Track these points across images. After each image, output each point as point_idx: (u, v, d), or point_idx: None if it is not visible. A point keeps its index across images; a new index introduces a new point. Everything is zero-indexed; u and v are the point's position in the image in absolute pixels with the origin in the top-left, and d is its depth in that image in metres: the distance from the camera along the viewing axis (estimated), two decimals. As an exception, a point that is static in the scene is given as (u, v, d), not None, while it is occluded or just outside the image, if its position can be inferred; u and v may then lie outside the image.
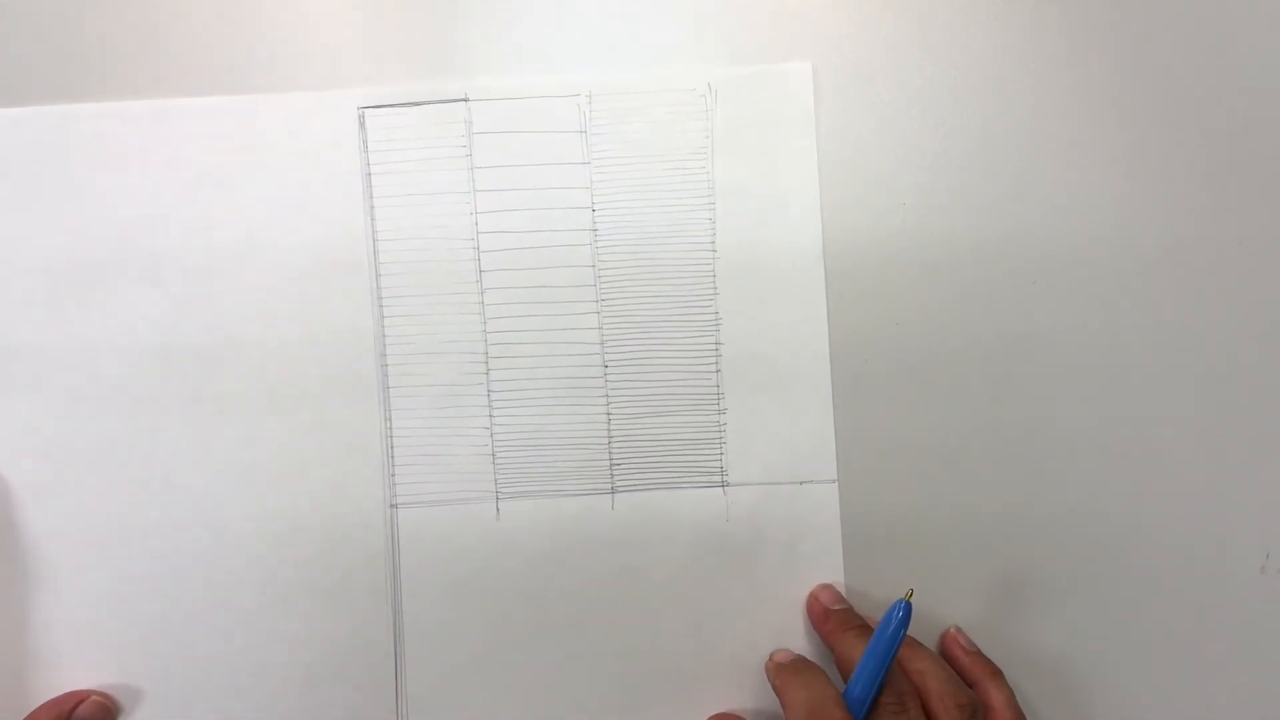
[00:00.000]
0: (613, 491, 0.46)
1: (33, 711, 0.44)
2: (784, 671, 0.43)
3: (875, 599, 0.46)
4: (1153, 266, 0.46)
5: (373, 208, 0.46)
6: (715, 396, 0.46)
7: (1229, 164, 0.47)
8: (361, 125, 0.46)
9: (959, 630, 0.45)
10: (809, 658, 0.45)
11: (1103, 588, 0.46)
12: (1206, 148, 0.47)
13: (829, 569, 0.46)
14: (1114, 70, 0.47)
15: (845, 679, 0.42)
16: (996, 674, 0.43)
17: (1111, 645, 0.46)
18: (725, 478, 0.46)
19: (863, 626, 0.43)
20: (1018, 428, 0.46)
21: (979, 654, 0.45)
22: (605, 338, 0.46)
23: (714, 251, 0.46)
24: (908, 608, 0.41)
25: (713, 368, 0.46)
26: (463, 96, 0.46)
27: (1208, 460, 0.46)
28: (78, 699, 0.44)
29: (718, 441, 0.46)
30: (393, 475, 0.46)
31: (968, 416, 0.46)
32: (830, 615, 0.44)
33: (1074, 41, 0.47)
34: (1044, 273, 0.46)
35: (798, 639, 0.46)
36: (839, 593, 0.45)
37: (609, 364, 0.46)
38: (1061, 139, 0.46)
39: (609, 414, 0.46)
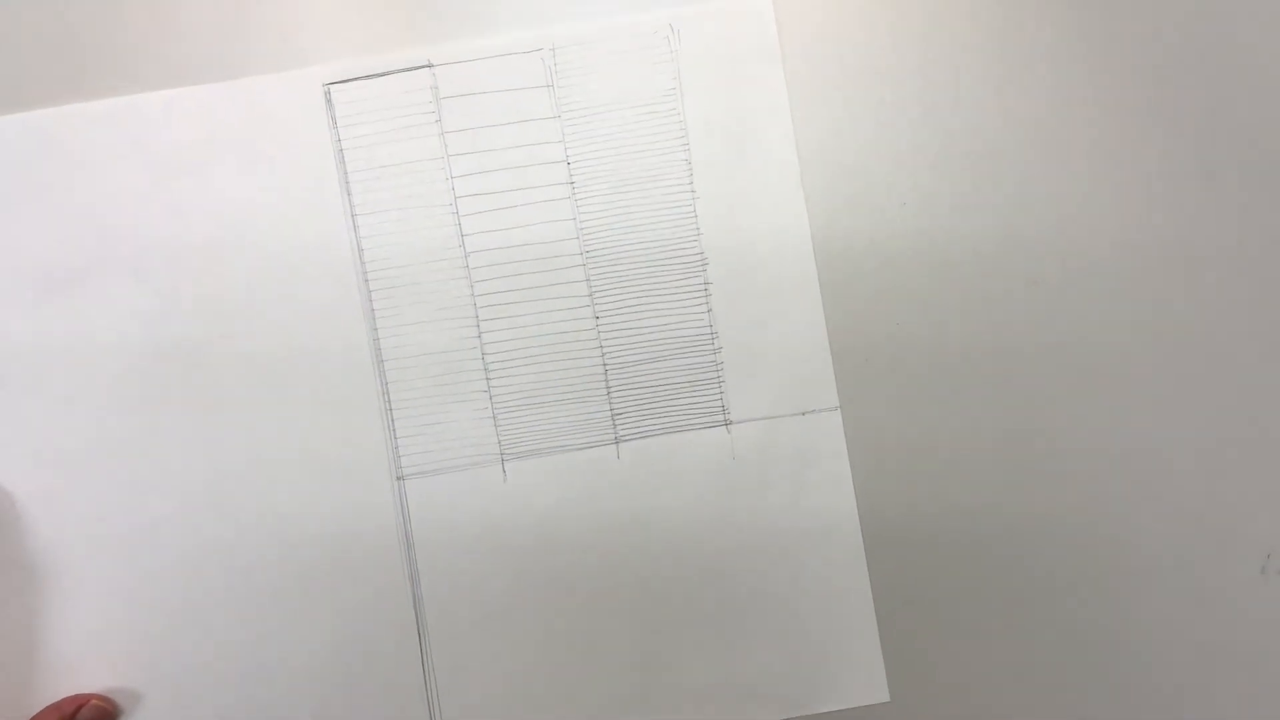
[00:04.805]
0: (617, 441, 0.46)
1: (33, 716, 0.44)
2: None
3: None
4: (1154, 265, 0.46)
5: (348, 182, 0.46)
6: (709, 335, 0.46)
7: (1230, 164, 0.46)
8: (328, 101, 0.46)
9: None
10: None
11: (1103, 588, 0.46)
12: (1208, 147, 0.46)
13: (839, 496, 0.46)
14: (1121, 69, 0.46)
15: None
16: None
17: (1112, 645, 0.46)
18: (727, 416, 0.46)
19: None
20: (1018, 427, 0.46)
21: None
22: (593, 288, 0.46)
23: (693, 192, 0.46)
24: None
25: (703, 307, 0.46)
26: (426, 63, 0.46)
27: (1208, 460, 0.46)
28: (78, 703, 0.44)
29: (716, 381, 0.46)
30: (396, 447, 0.46)
31: (968, 412, 0.46)
32: None
33: (1077, 41, 0.47)
34: (1044, 271, 0.46)
35: (813, 571, 0.46)
36: None
37: (600, 314, 0.46)
38: (1064, 138, 0.46)
39: (605, 365, 0.46)
